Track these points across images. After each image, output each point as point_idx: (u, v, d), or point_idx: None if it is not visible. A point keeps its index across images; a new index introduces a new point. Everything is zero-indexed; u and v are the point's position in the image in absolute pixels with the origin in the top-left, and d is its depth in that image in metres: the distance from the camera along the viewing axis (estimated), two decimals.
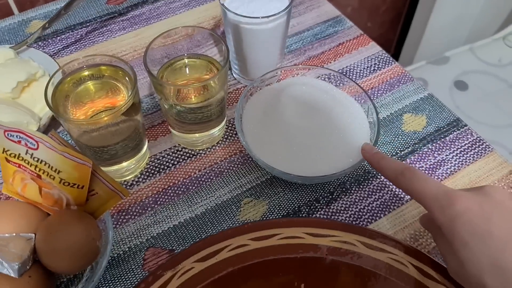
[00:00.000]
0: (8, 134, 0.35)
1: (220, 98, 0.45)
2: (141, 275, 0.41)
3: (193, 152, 0.49)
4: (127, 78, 0.42)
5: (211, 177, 0.47)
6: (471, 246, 0.30)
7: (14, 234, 0.37)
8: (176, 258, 0.37)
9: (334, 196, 0.46)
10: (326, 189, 0.46)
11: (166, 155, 0.49)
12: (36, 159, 0.36)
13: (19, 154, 0.36)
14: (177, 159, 0.49)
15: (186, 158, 0.49)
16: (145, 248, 0.43)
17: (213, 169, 0.48)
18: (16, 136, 0.35)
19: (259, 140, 0.44)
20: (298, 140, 0.43)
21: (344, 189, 0.46)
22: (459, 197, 0.31)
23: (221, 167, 0.48)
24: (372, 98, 0.54)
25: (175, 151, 0.49)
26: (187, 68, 0.47)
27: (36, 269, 0.36)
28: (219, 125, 0.48)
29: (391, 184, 0.47)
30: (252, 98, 0.48)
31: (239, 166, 0.48)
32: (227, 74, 0.45)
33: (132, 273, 0.41)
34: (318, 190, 0.46)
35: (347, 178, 0.47)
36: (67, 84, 0.42)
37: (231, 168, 0.48)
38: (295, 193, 0.46)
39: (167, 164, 0.48)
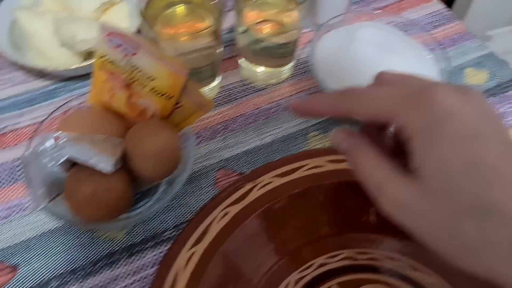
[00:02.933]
0: (109, 38, 0.37)
1: (296, 36, 0.46)
2: (213, 192, 0.43)
3: (261, 88, 0.51)
4: (214, 5, 0.43)
5: (279, 110, 0.49)
6: (452, 172, 0.21)
7: (104, 137, 0.38)
8: (256, 172, 0.39)
9: None
10: None
11: (234, 88, 0.51)
12: (131, 65, 0.38)
13: (115, 60, 0.38)
14: (245, 92, 0.50)
15: (254, 92, 0.50)
16: (217, 168, 0.44)
17: (281, 103, 0.49)
18: (117, 40, 0.37)
19: (331, 76, 0.45)
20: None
21: None
22: (441, 90, 0.22)
23: (289, 102, 0.50)
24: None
25: (243, 85, 0.51)
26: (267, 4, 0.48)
27: (123, 172, 0.38)
28: (289, 63, 0.50)
29: None
30: (323, 38, 0.49)
31: None
32: (305, 11, 0.46)
33: (205, 190, 0.43)
34: None
35: None
36: (156, 4, 0.43)
37: None
38: None
39: (236, 96, 0.50)
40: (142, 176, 0.39)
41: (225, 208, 0.37)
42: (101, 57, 0.38)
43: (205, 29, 0.40)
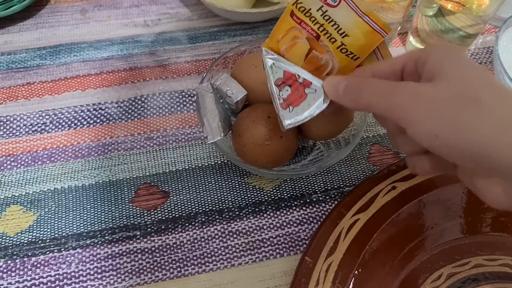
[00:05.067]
0: None
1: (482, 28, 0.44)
2: (365, 165, 0.41)
3: None
4: None
5: None
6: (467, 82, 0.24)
7: None
8: None
9: None
10: None
11: None
12: (327, 17, 0.36)
13: (310, 9, 0.37)
14: None
15: None
16: (371, 143, 0.43)
17: None
18: None
19: None
20: None
21: None
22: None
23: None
24: None
25: None
26: None
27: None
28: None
29: None
30: (508, 31, 0.46)
31: None
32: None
33: (357, 162, 0.42)
34: None
35: None
36: None
37: None
38: None
39: None
40: (309, 132, 0.38)
41: (393, 182, 0.36)
42: (296, 2, 0.37)
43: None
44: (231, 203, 0.39)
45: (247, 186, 0.40)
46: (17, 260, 0.35)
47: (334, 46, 0.37)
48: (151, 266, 0.35)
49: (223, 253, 0.36)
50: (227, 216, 0.38)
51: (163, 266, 0.35)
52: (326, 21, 0.37)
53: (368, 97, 0.27)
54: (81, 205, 0.38)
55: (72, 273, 0.35)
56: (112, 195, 0.39)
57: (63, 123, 0.43)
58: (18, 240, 0.36)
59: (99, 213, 0.38)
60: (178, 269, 0.35)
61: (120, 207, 0.38)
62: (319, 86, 0.31)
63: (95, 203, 0.38)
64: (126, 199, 0.39)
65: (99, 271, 0.35)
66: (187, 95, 0.45)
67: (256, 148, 0.35)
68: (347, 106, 0.29)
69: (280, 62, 0.32)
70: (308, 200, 0.39)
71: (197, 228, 0.37)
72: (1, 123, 0.43)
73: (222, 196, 0.39)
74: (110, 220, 0.37)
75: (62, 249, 0.36)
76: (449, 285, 0.34)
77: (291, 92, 0.32)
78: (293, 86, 0.32)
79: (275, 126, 0.35)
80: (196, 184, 0.40)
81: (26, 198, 0.38)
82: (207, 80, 0.38)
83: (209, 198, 0.39)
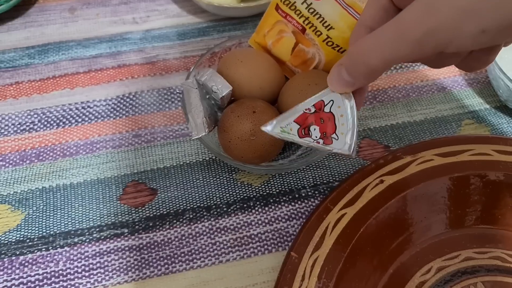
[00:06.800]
0: None
1: None
2: (355, 160, 0.41)
3: (415, 63, 0.48)
4: None
5: (433, 90, 0.46)
6: None
7: None
8: (416, 146, 0.37)
9: None
10: None
11: None
12: (311, 10, 0.36)
13: (294, 3, 0.36)
14: (398, 66, 0.47)
15: (408, 66, 0.47)
16: (362, 137, 0.42)
17: (436, 83, 0.46)
18: None
19: None
20: None
21: None
22: None
23: (444, 83, 0.46)
24: None
25: None
26: None
27: None
28: None
29: None
30: None
31: (463, 88, 0.46)
32: None
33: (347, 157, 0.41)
34: None
35: None
36: None
37: (454, 87, 0.46)
38: None
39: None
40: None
41: (381, 176, 0.35)
42: None
43: None
44: (219, 200, 0.39)
45: (235, 182, 0.39)
46: (5, 259, 0.35)
47: (320, 39, 0.37)
48: (139, 264, 0.35)
49: (211, 250, 0.36)
50: (215, 213, 0.38)
51: (150, 263, 0.35)
52: (311, 14, 0.36)
53: (381, 55, 0.23)
54: (69, 203, 0.38)
55: (60, 271, 0.35)
56: (100, 193, 0.39)
57: (52, 122, 0.43)
58: (6, 239, 0.36)
59: (87, 211, 0.38)
60: (166, 266, 0.35)
61: (108, 205, 0.38)
62: (330, 93, 0.28)
63: (83, 201, 0.38)
64: (114, 197, 0.38)
65: (86, 269, 0.35)
66: (175, 92, 0.45)
67: (241, 143, 0.35)
68: (368, 81, 0.26)
69: (283, 120, 0.29)
70: (297, 196, 0.39)
71: (185, 225, 0.37)
72: None
73: (210, 192, 0.39)
74: (98, 218, 0.37)
75: (50, 248, 0.36)
76: (438, 279, 0.34)
77: (319, 127, 0.28)
78: (315, 121, 0.28)
79: (260, 121, 0.35)
80: (184, 181, 0.39)
81: (14, 197, 0.38)
82: (193, 76, 0.38)
83: (197, 194, 0.39)
